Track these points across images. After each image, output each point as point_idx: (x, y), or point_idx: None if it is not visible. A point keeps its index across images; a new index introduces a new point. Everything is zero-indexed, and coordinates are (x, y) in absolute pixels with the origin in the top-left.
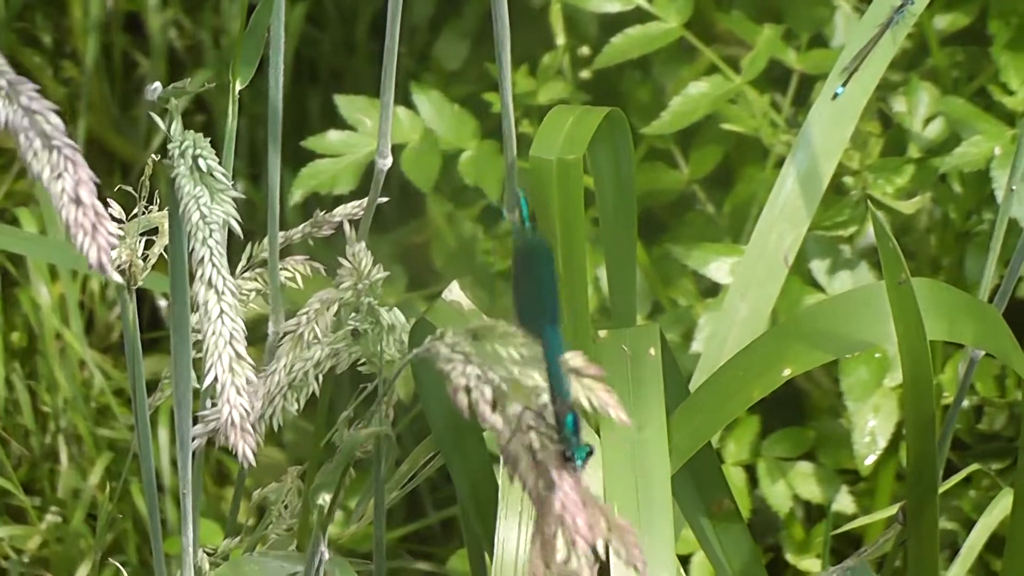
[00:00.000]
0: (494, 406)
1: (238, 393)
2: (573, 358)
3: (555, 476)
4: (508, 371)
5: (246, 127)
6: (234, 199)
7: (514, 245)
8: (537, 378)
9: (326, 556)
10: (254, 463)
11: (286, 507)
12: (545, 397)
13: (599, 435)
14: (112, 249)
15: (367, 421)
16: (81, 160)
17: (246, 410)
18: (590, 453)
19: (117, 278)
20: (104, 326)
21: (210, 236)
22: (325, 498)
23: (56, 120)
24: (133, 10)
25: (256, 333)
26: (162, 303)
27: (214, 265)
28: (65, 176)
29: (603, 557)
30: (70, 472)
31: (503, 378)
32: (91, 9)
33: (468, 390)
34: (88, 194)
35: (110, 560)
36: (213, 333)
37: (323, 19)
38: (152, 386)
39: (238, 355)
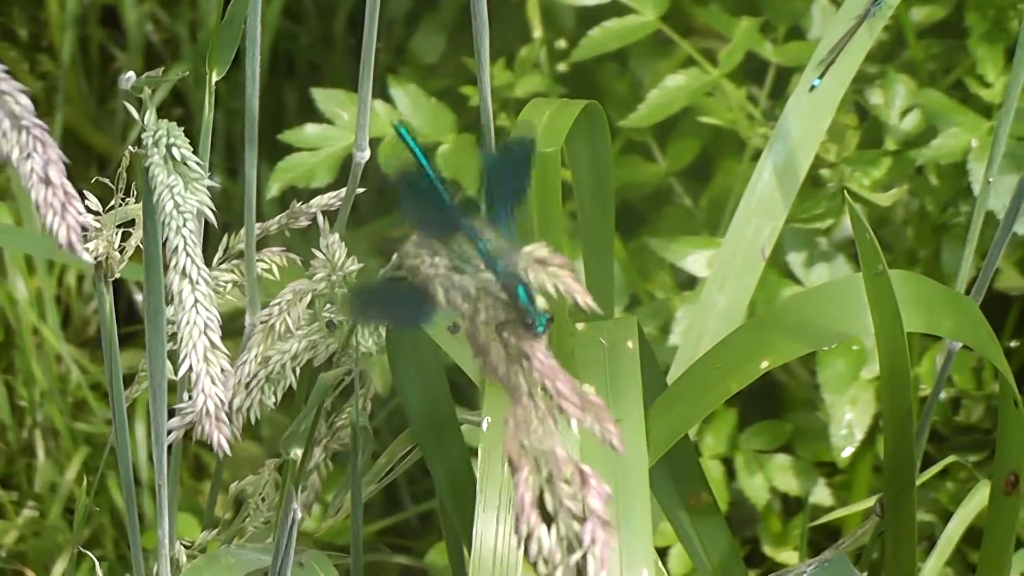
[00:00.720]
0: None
1: (213, 383)
2: (537, 248)
3: (526, 348)
4: (474, 267)
5: (224, 121)
6: (210, 190)
7: (507, 140)
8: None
9: (299, 515)
10: (229, 453)
11: (263, 500)
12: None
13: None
14: (83, 229)
15: (345, 415)
16: (50, 140)
17: (221, 400)
18: (551, 320)
19: (87, 257)
20: (81, 320)
21: (184, 225)
22: (296, 452)
23: (25, 100)
24: (110, 4)
25: (233, 325)
26: (138, 297)
27: (188, 255)
28: (34, 156)
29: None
30: (47, 466)
31: (471, 274)
32: (67, 3)
33: (439, 278)
34: (57, 174)
35: (87, 554)
36: (187, 323)
37: (301, 13)
38: (129, 380)
39: (212, 344)
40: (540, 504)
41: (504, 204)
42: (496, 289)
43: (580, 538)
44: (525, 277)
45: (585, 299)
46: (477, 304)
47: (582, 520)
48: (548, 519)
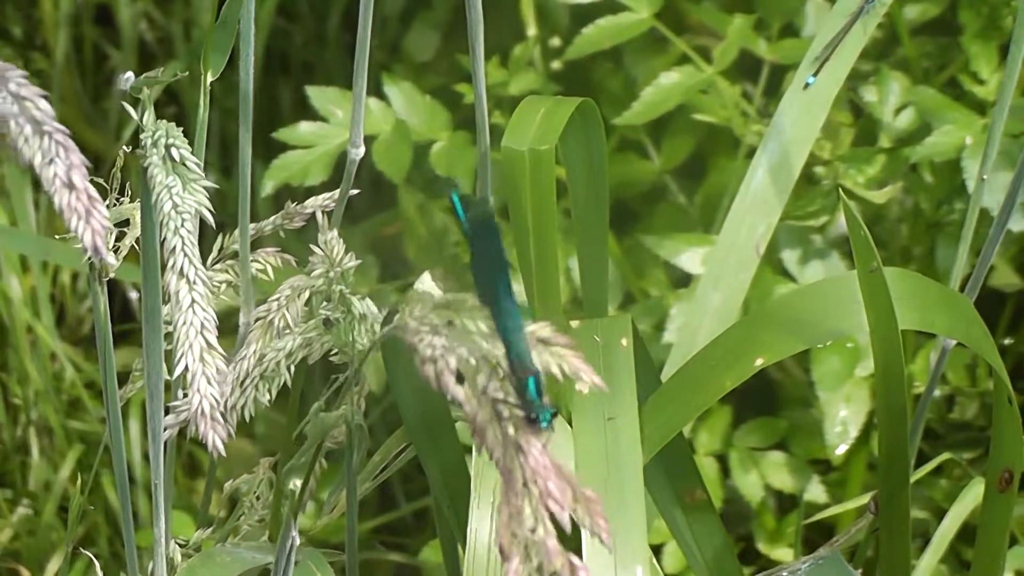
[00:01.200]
0: (461, 379)
1: (208, 383)
2: (541, 329)
3: (523, 442)
4: (476, 344)
5: (218, 120)
6: (206, 189)
7: (463, 226)
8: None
9: (297, 542)
10: (224, 453)
11: (258, 498)
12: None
13: (571, 425)
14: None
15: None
16: (72, 145)
17: (216, 400)
18: (554, 415)
19: (112, 260)
20: (75, 319)
21: (182, 226)
22: (296, 483)
23: (46, 106)
24: (103, 2)
25: (227, 324)
26: (133, 295)
27: (186, 255)
28: (57, 161)
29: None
30: (41, 464)
31: (470, 350)
32: (61, 2)
33: (434, 361)
34: (80, 178)
35: (82, 552)
36: (184, 323)
37: (295, 12)
38: (123, 378)
39: (209, 345)
40: None
41: (498, 277)
42: (500, 377)
43: None
44: (537, 367)
45: (592, 378)
46: (476, 387)
47: None
48: None
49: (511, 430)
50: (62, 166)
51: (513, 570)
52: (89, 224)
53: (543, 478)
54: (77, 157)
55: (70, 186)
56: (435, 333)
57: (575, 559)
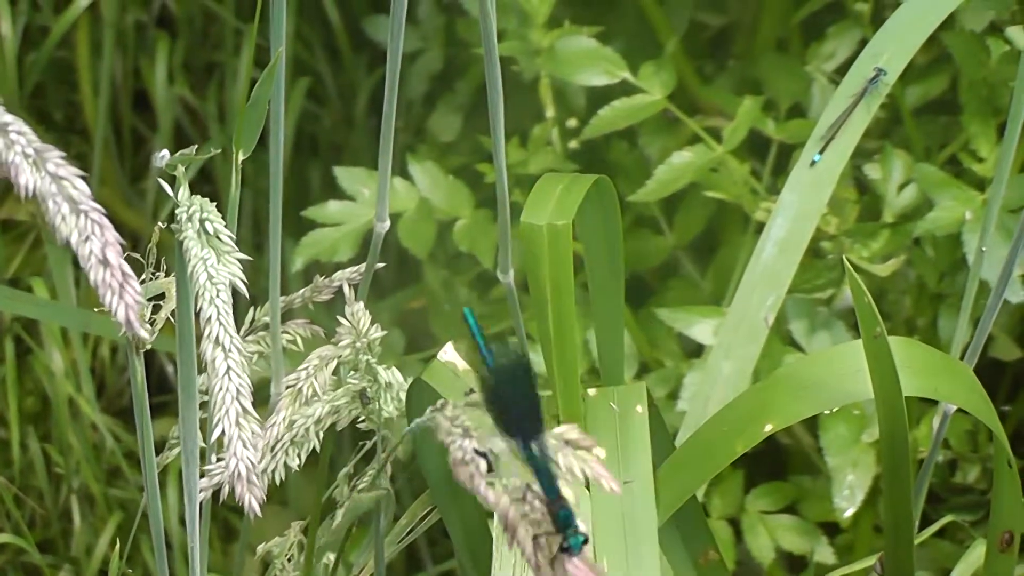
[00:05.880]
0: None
1: (245, 446)
2: (568, 431)
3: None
4: (505, 442)
5: (250, 199)
6: (239, 261)
7: (489, 368)
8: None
9: None
10: (260, 514)
11: (289, 560)
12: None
13: (588, 489)
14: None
15: (367, 478)
16: (107, 223)
17: (252, 463)
18: (585, 541)
19: (144, 334)
20: (115, 391)
21: (217, 296)
22: (330, 557)
23: (82, 185)
24: (141, 88)
25: (259, 396)
26: (170, 368)
27: (221, 324)
28: (93, 239)
29: None
30: (83, 531)
31: (500, 451)
32: (100, 87)
33: (466, 464)
34: (115, 255)
35: None
36: (220, 389)
37: (324, 96)
38: (160, 447)
39: (244, 410)
40: None
41: (534, 426)
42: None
43: None
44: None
45: (611, 484)
46: (518, 494)
47: None
48: None
49: (544, 549)
50: (97, 243)
51: None
52: (122, 299)
53: None
54: (112, 235)
55: (105, 263)
56: (466, 436)
57: None
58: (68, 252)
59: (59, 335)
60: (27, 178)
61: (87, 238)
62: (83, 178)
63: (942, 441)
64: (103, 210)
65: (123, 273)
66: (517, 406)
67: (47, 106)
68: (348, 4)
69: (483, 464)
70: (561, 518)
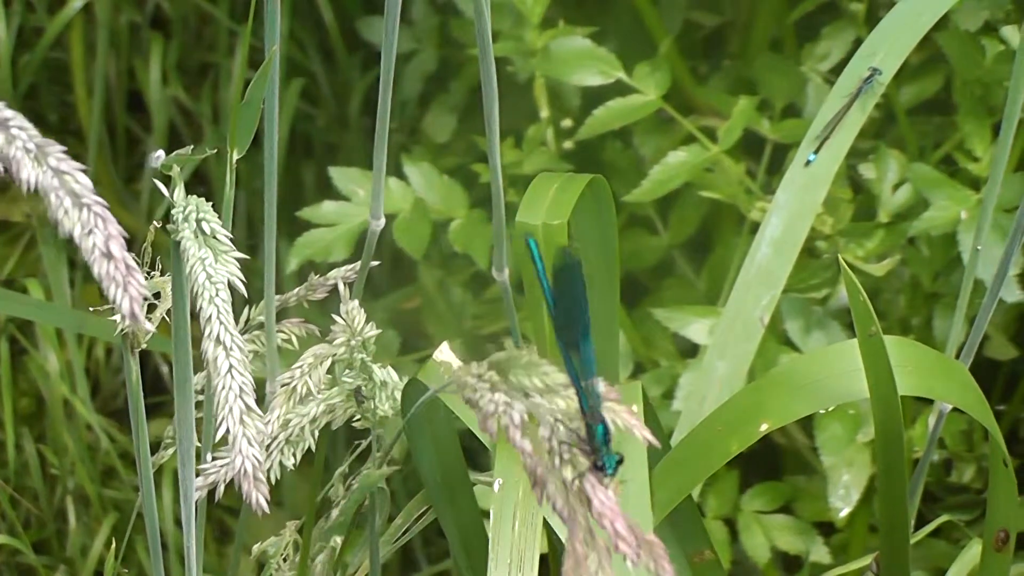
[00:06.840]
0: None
1: (250, 443)
2: (597, 383)
3: (588, 487)
4: (532, 398)
5: (244, 201)
6: (236, 260)
7: (554, 267)
8: (561, 403)
9: None
10: (267, 510)
11: (284, 560)
12: (573, 421)
13: None
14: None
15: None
16: (110, 216)
17: (258, 460)
18: (619, 461)
19: (148, 326)
20: (109, 392)
21: (216, 295)
22: (337, 540)
23: (84, 179)
24: (135, 89)
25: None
26: (164, 369)
27: (221, 323)
28: (96, 232)
29: None
30: (78, 531)
31: (529, 405)
32: (95, 88)
33: (498, 416)
34: (119, 248)
35: None
36: (223, 387)
37: (318, 96)
38: (155, 448)
39: (248, 408)
40: None
41: (578, 329)
42: (570, 434)
43: None
44: (605, 417)
45: (644, 433)
46: (539, 439)
47: None
48: None
49: (572, 477)
50: (100, 236)
51: None
52: (127, 292)
53: (611, 520)
54: (115, 228)
55: (108, 255)
56: (495, 390)
57: None
58: (63, 253)
59: (54, 336)
60: (29, 173)
61: (90, 231)
62: (84, 172)
63: (937, 440)
64: (105, 203)
65: (127, 266)
66: (569, 312)
67: (41, 107)
68: (342, 5)
69: (516, 415)
70: (599, 433)
